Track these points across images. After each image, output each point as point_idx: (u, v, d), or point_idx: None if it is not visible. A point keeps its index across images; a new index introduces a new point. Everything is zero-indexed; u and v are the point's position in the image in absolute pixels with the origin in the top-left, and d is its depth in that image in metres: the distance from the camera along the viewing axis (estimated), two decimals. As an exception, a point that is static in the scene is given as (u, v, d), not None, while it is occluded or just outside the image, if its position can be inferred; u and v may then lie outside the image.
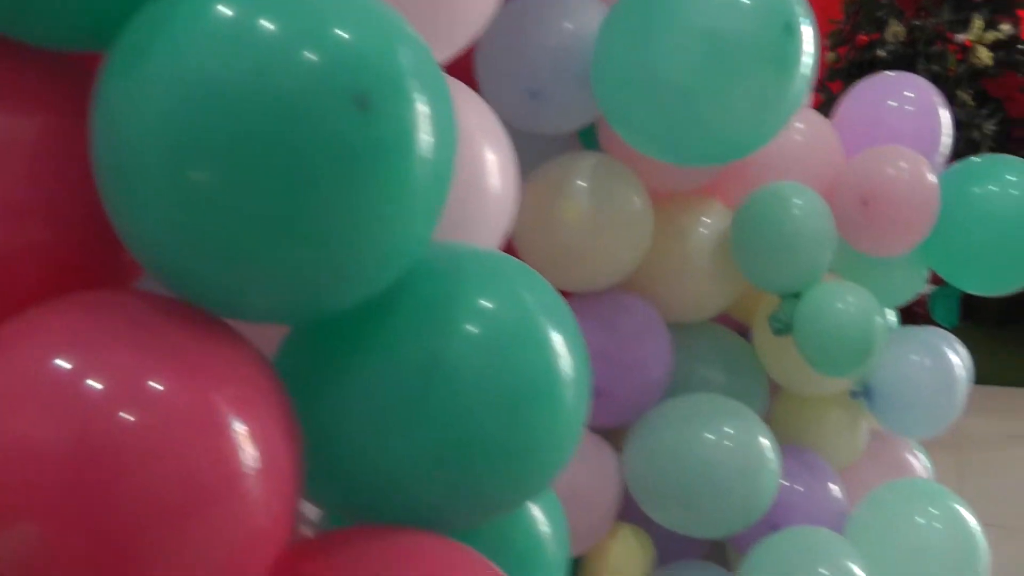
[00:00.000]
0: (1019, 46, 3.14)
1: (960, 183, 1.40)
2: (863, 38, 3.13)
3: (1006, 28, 3.02)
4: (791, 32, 1.02)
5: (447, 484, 0.69)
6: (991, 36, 2.95)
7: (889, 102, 1.46)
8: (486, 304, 0.70)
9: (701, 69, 1.04)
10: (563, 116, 1.26)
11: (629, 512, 1.31)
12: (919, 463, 1.60)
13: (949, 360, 1.44)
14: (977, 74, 2.99)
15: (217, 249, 0.57)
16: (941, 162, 1.47)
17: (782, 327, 1.30)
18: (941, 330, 1.54)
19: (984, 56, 2.95)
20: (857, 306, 1.26)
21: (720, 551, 1.46)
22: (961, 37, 2.97)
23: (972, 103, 2.99)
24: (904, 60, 3.00)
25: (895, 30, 2.95)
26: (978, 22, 2.97)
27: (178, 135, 0.53)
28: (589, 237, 1.26)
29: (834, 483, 1.40)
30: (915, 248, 1.40)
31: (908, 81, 1.49)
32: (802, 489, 1.36)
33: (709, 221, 1.38)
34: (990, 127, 2.97)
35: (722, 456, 1.23)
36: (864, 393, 1.44)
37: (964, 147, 2.99)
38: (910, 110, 1.45)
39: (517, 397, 0.68)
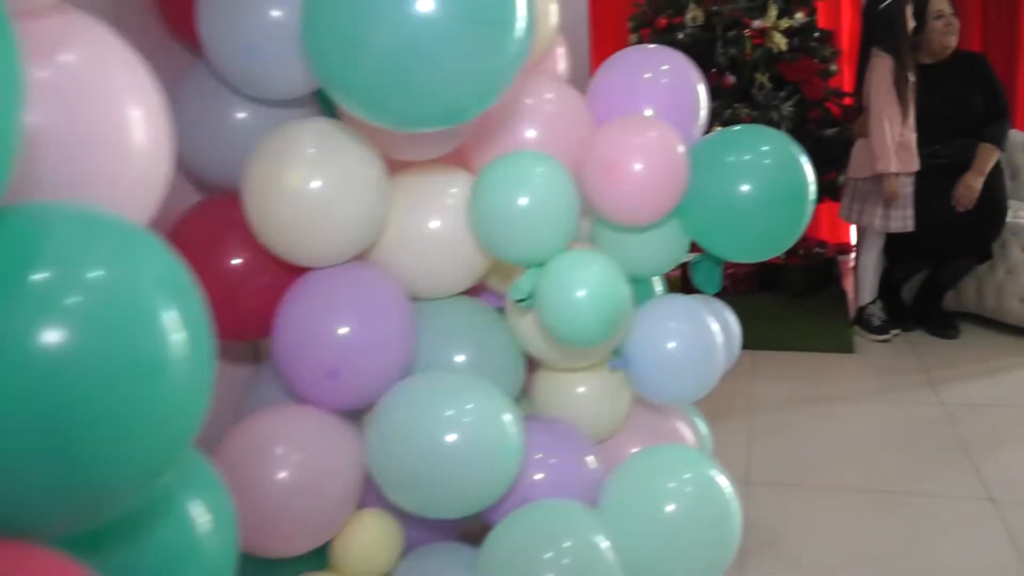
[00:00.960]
0: (815, 34, 3.31)
1: (713, 152, 1.41)
2: (663, 21, 3.21)
3: (800, 16, 3.17)
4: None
5: (33, 477, 0.61)
6: (785, 23, 3.09)
7: (644, 74, 1.45)
8: (75, 269, 0.62)
9: (410, 31, 0.98)
10: (286, 77, 1.18)
11: (379, 497, 1.26)
12: (690, 430, 1.62)
13: (707, 326, 1.45)
14: (774, 59, 3.13)
15: None
16: (698, 134, 1.48)
17: (525, 298, 1.27)
18: (705, 297, 1.56)
19: (779, 42, 3.08)
20: (600, 275, 1.25)
21: (483, 531, 1.43)
22: (758, 23, 3.09)
23: (769, 85, 3.12)
24: (703, 43, 3.10)
25: (694, 15, 3.04)
26: (773, 9, 3.10)
27: None
28: (318, 209, 1.19)
29: (590, 455, 1.39)
30: (671, 216, 1.42)
31: (664, 55, 1.48)
32: (555, 462, 1.34)
33: (454, 191, 1.34)
34: (788, 109, 3.11)
35: (461, 435, 1.18)
36: (621, 363, 1.43)
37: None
38: (665, 83, 1.45)
39: (113, 373, 0.61)
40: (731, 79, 3.08)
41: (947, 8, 3.18)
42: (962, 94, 3.18)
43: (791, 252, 3.49)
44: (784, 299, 3.34)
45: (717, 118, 3.10)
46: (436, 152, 1.33)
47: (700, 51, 3.09)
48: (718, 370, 1.47)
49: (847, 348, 3.19)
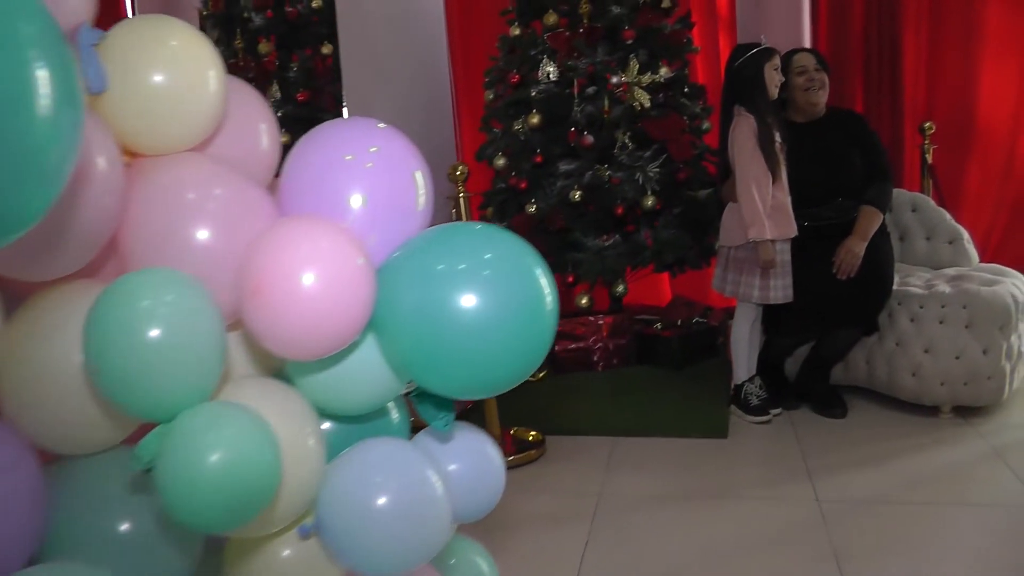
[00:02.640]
0: (685, 89, 3.08)
1: (420, 260, 1.11)
2: (515, 77, 2.95)
3: (664, 71, 2.93)
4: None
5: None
6: (648, 78, 2.85)
7: (345, 156, 1.15)
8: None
9: None
10: None
11: None
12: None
13: (423, 478, 1.15)
14: (638, 116, 2.88)
15: None
16: (417, 230, 1.19)
17: (148, 466, 0.96)
18: (437, 436, 1.26)
19: (642, 98, 2.83)
20: (234, 438, 0.95)
21: None
22: (616, 79, 2.84)
23: (631, 145, 2.87)
24: (558, 100, 2.84)
25: (548, 70, 2.79)
26: (634, 64, 2.85)
27: None
28: None
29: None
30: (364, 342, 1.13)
31: (375, 133, 1.19)
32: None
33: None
34: (654, 169, 2.86)
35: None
36: (311, 527, 1.13)
37: (631, 190, 2.85)
38: (371, 168, 1.15)
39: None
40: (589, 139, 2.82)
41: (810, 63, 2.98)
42: (839, 153, 2.97)
43: (669, 323, 3.22)
44: (662, 373, 3.04)
45: (578, 180, 2.84)
46: (64, 267, 1.03)
47: (556, 108, 2.84)
48: (441, 532, 1.16)
49: (720, 432, 2.90)
